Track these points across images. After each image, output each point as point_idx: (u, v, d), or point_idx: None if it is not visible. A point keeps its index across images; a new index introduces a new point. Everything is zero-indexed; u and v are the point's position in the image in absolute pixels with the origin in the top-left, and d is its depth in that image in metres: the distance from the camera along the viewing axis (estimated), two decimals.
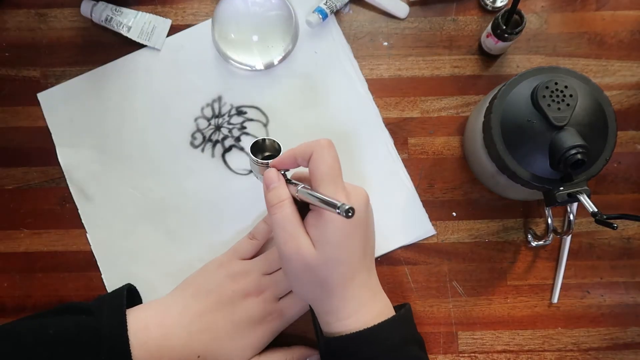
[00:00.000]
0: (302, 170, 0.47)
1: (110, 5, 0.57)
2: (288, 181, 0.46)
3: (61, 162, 0.57)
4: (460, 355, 0.55)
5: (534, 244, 0.55)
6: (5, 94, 0.58)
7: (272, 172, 0.46)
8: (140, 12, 0.58)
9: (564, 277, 0.56)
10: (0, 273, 0.56)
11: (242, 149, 0.57)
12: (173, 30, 0.59)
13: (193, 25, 0.59)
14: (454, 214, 0.57)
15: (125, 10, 0.58)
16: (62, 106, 0.58)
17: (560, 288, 0.56)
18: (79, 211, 0.56)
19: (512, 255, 0.56)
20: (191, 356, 0.47)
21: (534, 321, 0.56)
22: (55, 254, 0.56)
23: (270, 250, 0.53)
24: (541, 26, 0.59)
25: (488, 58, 0.58)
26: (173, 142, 0.57)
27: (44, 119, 0.57)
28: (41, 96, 0.58)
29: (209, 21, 0.58)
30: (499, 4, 0.58)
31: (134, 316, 0.47)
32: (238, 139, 0.57)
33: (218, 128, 0.57)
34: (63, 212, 0.57)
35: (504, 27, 0.53)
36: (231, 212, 0.56)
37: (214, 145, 0.57)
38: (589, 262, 0.56)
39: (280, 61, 0.57)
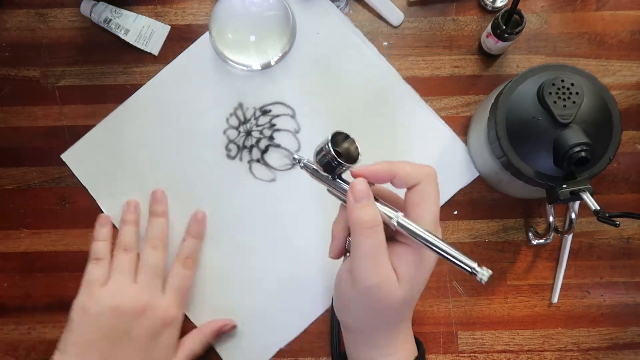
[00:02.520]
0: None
1: (110, 7, 0.57)
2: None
3: (110, 214, 0.56)
4: (460, 355, 0.55)
5: (534, 242, 0.55)
6: (5, 94, 0.58)
7: (363, 184, 0.38)
8: (139, 16, 0.58)
9: (564, 277, 0.56)
10: (0, 273, 0.56)
11: (278, 145, 0.57)
12: (173, 30, 0.59)
13: (193, 25, 0.59)
14: (455, 212, 0.57)
15: (124, 12, 0.58)
16: (89, 160, 0.57)
17: (560, 288, 0.56)
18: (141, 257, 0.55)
19: (512, 255, 0.56)
20: None
21: (534, 321, 0.56)
22: (55, 254, 0.56)
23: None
24: (541, 26, 0.59)
25: (488, 58, 0.58)
26: (209, 160, 0.57)
27: (44, 119, 0.57)
28: (65, 157, 0.57)
29: (205, 36, 0.58)
30: (499, 4, 0.58)
31: None
32: (271, 138, 0.57)
33: (249, 133, 0.57)
34: (63, 212, 0.57)
35: (504, 27, 0.53)
36: (284, 209, 0.56)
37: (250, 151, 0.57)
38: (589, 262, 0.56)
39: (277, 61, 0.57)
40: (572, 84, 0.46)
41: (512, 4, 0.51)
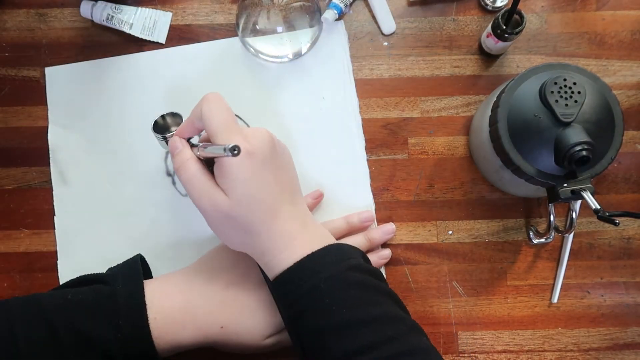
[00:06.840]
0: None
1: (109, 4, 0.57)
2: (193, 145, 0.47)
3: (50, 139, 0.57)
4: (460, 355, 0.55)
5: (535, 241, 0.55)
6: (5, 94, 0.58)
7: (174, 140, 0.47)
8: (140, 8, 0.58)
9: (564, 277, 0.56)
10: (0, 273, 0.56)
11: None
12: (172, 30, 0.59)
13: (193, 25, 0.59)
14: (454, 213, 0.57)
15: (125, 7, 0.58)
16: (66, 86, 0.58)
17: (561, 288, 0.56)
18: (53, 192, 0.56)
19: (512, 255, 0.56)
20: (214, 326, 0.47)
21: (534, 321, 0.56)
22: (55, 254, 0.56)
23: None
24: (541, 26, 0.59)
25: (488, 58, 0.58)
26: (157, 151, 0.57)
27: (44, 119, 0.57)
28: (48, 71, 0.58)
29: (230, 39, 0.58)
30: (499, 4, 0.58)
31: (155, 284, 0.48)
32: None
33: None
34: None
35: (504, 27, 0.53)
36: (195, 232, 0.56)
37: None
38: (589, 262, 0.56)
39: (309, 49, 0.57)
40: (575, 83, 0.46)
41: (512, 4, 0.51)
